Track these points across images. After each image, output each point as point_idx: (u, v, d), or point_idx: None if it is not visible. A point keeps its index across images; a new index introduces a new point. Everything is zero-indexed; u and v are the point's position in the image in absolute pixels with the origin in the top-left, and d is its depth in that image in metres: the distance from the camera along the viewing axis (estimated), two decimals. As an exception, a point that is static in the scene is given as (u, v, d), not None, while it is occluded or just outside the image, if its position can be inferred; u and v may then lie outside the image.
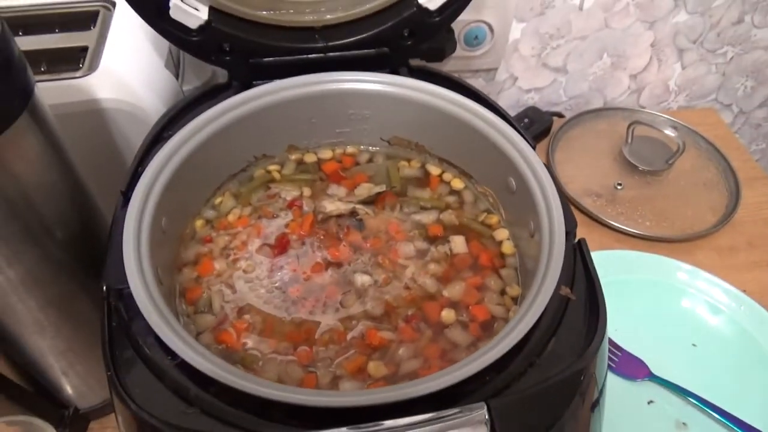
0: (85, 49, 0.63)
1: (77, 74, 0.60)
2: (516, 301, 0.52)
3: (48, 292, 0.50)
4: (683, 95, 1.08)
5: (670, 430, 0.63)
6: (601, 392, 0.44)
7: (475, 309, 0.51)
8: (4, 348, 0.53)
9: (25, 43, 0.64)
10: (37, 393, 0.58)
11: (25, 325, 0.51)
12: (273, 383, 0.38)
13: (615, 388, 0.66)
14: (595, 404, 0.43)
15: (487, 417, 0.34)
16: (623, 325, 0.71)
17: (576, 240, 0.48)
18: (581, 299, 0.45)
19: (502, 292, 0.53)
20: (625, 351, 0.69)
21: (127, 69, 0.62)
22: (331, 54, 0.61)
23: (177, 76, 0.70)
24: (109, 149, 0.61)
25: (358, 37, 0.60)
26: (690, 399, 0.64)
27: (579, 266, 0.47)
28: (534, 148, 0.54)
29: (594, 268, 0.46)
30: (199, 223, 0.57)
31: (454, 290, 0.52)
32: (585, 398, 0.40)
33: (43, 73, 0.62)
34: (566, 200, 0.50)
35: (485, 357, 0.39)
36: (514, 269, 0.54)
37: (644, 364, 0.68)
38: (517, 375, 0.40)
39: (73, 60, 0.63)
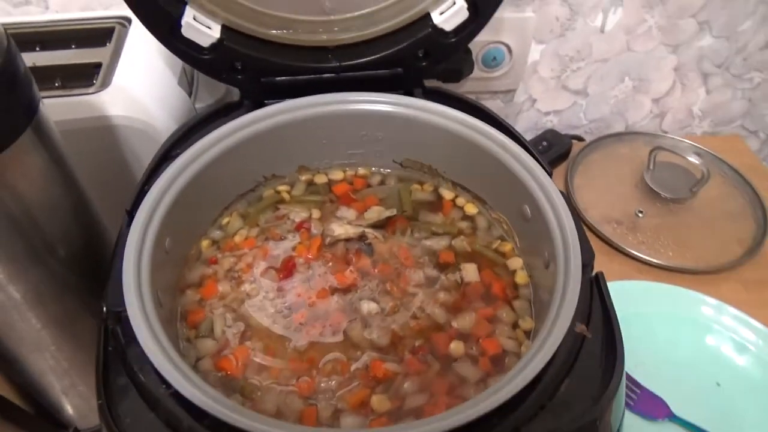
0: (99, 65, 0.63)
1: (90, 90, 0.60)
2: (529, 335, 0.50)
3: (50, 310, 0.49)
4: (708, 121, 1.05)
5: (691, 474, 0.60)
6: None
7: (486, 342, 0.49)
8: (4, 367, 0.52)
9: (42, 58, 0.64)
10: (37, 413, 0.57)
11: (26, 344, 0.50)
12: (270, 420, 0.36)
13: (633, 429, 0.63)
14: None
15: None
16: (643, 360, 0.68)
17: (593, 273, 0.46)
18: (597, 337, 0.42)
19: (515, 325, 0.50)
20: (645, 389, 0.66)
21: (140, 86, 0.62)
22: (345, 74, 0.60)
23: (190, 94, 0.70)
24: (119, 166, 0.61)
25: (372, 57, 0.59)
26: (712, 442, 0.61)
27: (596, 301, 0.44)
28: (551, 174, 0.52)
29: (612, 304, 0.44)
30: (205, 243, 0.55)
31: (464, 321, 0.50)
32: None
33: (58, 88, 0.62)
34: (584, 231, 0.48)
35: (493, 398, 0.37)
36: (528, 301, 0.52)
37: (664, 403, 0.64)
38: (526, 419, 0.38)
39: (87, 76, 0.63)
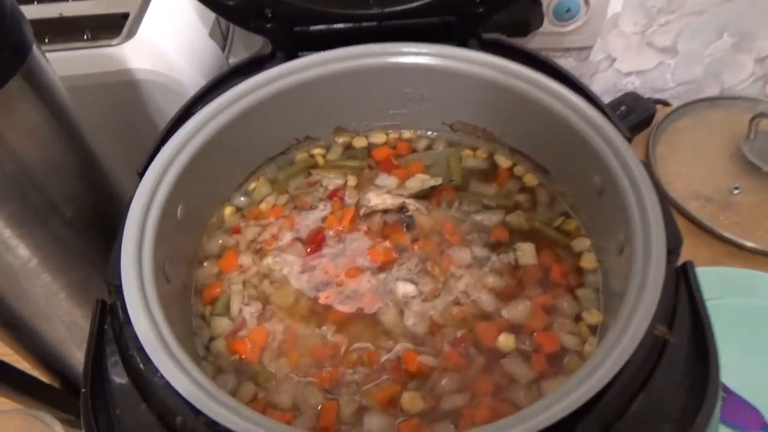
0: (126, 15, 0.59)
1: (113, 42, 0.55)
2: (595, 331, 0.42)
3: (60, 277, 0.46)
4: (823, 84, 0.90)
5: (788, 501, 0.50)
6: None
7: (541, 336, 0.41)
8: (21, 337, 0.50)
9: (73, 8, 0.60)
10: (62, 383, 0.55)
11: (37, 312, 0.47)
12: (274, 425, 0.30)
13: (717, 440, 0.54)
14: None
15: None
16: (733, 361, 0.58)
17: (680, 263, 0.37)
18: (683, 342, 0.34)
19: (577, 318, 0.43)
20: (735, 394, 0.56)
21: (167, 38, 0.57)
22: (388, 22, 0.52)
23: (224, 48, 0.64)
24: (143, 125, 0.57)
25: (420, 2, 0.51)
26: (817, 464, 0.51)
27: (682, 297, 0.36)
28: (630, 141, 0.43)
29: (703, 301, 0.35)
30: (228, 210, 0.50)
31: (517, 311, 0.43)
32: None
33: (86, 40, 0.58)
34: (669, 210, 0.39)
35: (546, 414, 0.29)
36: (595, 290, 0.44)
37: (758, 412, 0.55)
38: (586, 441, 0.30)
39: (116, 27, 0.58)
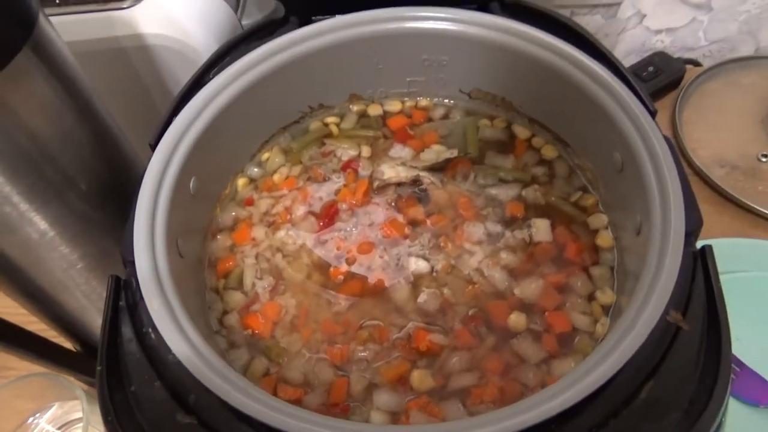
0: (136, -24, 0.57)
1: (124, 5, 0.54)
2: (608, 311, 0.41)
3: (77, 249, 0.46)
4: None
5: (796, 474, 0.51)
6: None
7: (553, 316, 0.41)
8: (40, 306, 0.51)
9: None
10: (83, 347, 0.57)
11: (55, 283, 0.48)
12: (284, 406, 0.31)
13: (730, 413, 0.54)
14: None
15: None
16: (747, 334, 0.57)
17: (699, 246, 0.36)
18: (697, 330, 0.33)
19: (590, 298, 0.42)
20: (747, 368, 0.56)
21: (177, 0, 0.55)
22: (406, -18, 0.50)
23: (236, 9, 0.63)
24: (156, 93, 0.56)
25: (439, -38, 0.49)
26: (829, 439, 0.51)
27: (698, 283, 0.35)
28: (654, 114, 0.41)
29: (720, 288, 0.34)
30: (241, 181, 0.50)
31: (529, 289, 0.42)
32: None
33: (96, 2, 0.56)
34: (691, 191, 0.38)
35: (552, 403, 0.29)
36: (610, 269, 0.43)
37: (770, 387, 0.54)
38: (591, 428, 0.30)
39: (127, -11, 0.57)
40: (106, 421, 0.31)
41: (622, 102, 0.41)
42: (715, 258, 0.36)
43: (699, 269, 0.35)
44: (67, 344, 0.55)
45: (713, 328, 0.33)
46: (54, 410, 0.57)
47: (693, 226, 0.36)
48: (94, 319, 0.54)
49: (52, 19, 0.40)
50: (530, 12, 0.51)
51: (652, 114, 0.41)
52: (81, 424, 0.49)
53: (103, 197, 0.46)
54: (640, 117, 0.40)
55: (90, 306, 0.51)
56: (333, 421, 0.30)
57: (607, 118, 0.42)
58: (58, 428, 0.58)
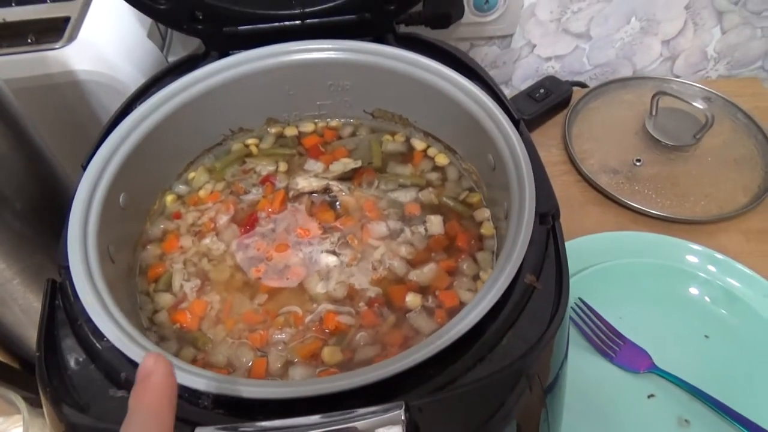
0: (68, 19, 0.62)
1: (56, 46, 0.59)
2: (489, 287, 0.48)
3: (13, 264, 0.50)
4: (724, 63, 0.99)
5: (671, 426, 0.59)
6: (557, 380, 0.41)
7: (444, 294, 0.48)
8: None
9: (13, 14, 0.64)
10: (21, 364, 0.59)
11: (-5, 299, 0.51)
12: (201, 371, 0.36)
13: (614, 380, 0.62)
14: (549, 392, 0.40)
15: (404, 418, 0.32)
16: (629, 313, 0.66)
17: (552, 223, 0.44)
18: (549, 290, 0.41)
19: (476, 277, 0.49)
20: (629, 341, 0.64)
21: (107, 40, 0.61)
22: (309, 20, 0.57)
23: (163, 48, 0.69)
24: (87, 123, 0.61)
25: (337, 2, 0.57)
26: (695, 395, 0.59)
27: (550, 253, 0.42)
28: (518, 123, 0.49)
29: (565, 255, 0.42)
30: (169, 198, 0.55)
31: (424, 274, 0.49)
32: (524, 397, 0.37)
33: (30, 44, 0.61)
34: (548, 181, 0.46)
35: (426, 349, 0.36)
36: (491, 252, 0.51)
37: (647, 355, 0.63)
38: (464, 370, 0.37)
39: (57, 31, 0.62)
40: (45, 394, 0.36)
41: (490, 112, 0.50)
42: (562, 232, 0.44)
43: (551, 243, 0.43)
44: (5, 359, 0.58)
45: (559, 285, 0.41)
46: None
47: (546, 208, 0.44)
48: (31, 336, 0.57)
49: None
50: (419, 42, 0.59)
51: (515, 121, 0.49)
52: (21, 434, 0.52)
53: (36, 216, 0.50)
54: (504, 123, 0.48)
55: (27, 321, 0.54)
56: (238, 382, 0.36)
57: (480, 126, 0.50)
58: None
